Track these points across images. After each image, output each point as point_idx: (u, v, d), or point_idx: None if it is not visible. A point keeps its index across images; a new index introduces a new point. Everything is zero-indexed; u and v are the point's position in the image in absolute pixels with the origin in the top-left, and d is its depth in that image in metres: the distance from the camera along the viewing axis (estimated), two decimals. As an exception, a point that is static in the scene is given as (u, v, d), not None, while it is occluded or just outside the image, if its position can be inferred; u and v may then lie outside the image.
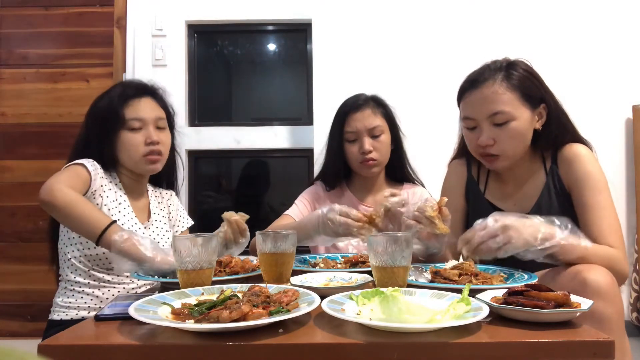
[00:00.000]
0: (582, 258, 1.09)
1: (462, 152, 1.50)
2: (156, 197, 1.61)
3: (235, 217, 1.33)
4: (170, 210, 1.64)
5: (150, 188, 1.60)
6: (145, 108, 1.46)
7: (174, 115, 1.58)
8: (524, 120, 1.26)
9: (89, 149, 1.45)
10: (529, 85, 1.27)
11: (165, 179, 1.64)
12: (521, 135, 1.27)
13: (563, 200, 1.29)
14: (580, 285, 0.99)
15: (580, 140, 1.33)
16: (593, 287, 0.98)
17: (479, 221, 1.11)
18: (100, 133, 1.44)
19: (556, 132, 1.31)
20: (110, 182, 1.46)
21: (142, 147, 1.44)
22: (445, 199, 1.20)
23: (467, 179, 1.47)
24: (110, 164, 1.47)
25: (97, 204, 1.38)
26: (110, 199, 1.42)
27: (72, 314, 1.40)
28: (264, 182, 3.15)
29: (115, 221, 1.24)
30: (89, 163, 1.38)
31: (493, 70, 1.29)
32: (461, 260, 1.15)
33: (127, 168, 1.48)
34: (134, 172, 1.49)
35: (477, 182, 1.45)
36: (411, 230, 1.18)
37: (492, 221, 1.07)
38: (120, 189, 1.48)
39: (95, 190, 1.38)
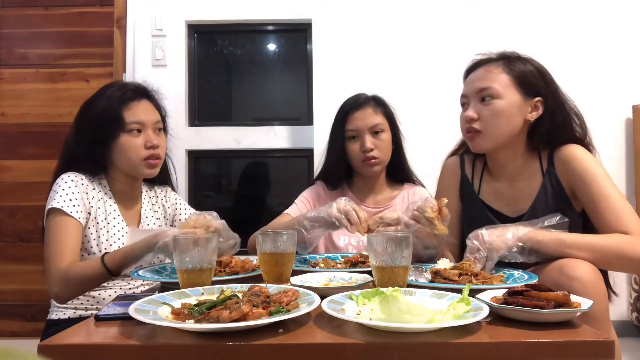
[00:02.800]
0: (569, 247, 1.10)
1: (458, 150, 1.53)
2: (150, 197, 1.60)
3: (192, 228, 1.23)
4: (166, 207, 1.63)
5: (145, 189, 1.59)
6: (144, 111, 1.44)
7: (166, 117, 1.57)
8: (511, 102, 1.28)
9: (80, 152, 1.42)
10: (526, 75, 1.30)
11: (157, 180, 1.62)
12: (505, 116, 1.28)
13: (560, 202, 1.28)
14: (566, 282, 1.01)
15: (580, 142, 1.32)
16: (578, 284, 0.99)
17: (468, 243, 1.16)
18: (96, 136, 1.41)
19: (550, 129, 1.30)
20: (100, 191, 1.45)
21: (142, 151, 1.42)
22: (446, 200, 1.20)
23: (461, 178, 1.47)
24: (101, 169, 1.46)
25: (85, 220, 1.37)
26: (100, 211, 1.42)
27: (69, 313, 1.40)
28: (264, 182, 3.15)
29: (103, 256, 1.25)
30: (71, 195, 1.35)
31: (496, 56, 1.36)
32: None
33: (123, 172, 1.46)
34: (129, 176, 1.47)
35: (472, 181, 1.45)
36: (410, 229, 1.18)
37: (469, 241, 1.15)
38: (111, 197, 1.47)
39: (88, 214, 1.39)
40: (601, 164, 1.26)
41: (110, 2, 2.95)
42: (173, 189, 1.69)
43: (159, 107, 1.52)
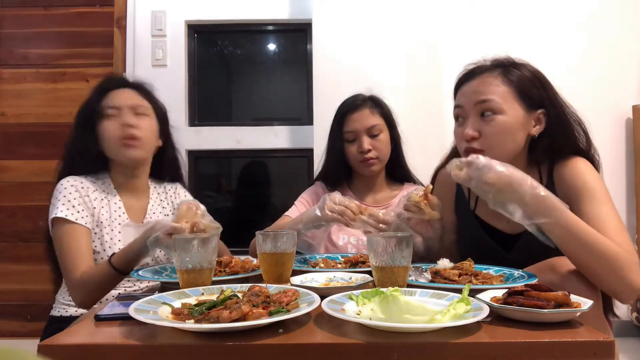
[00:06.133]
0: (574, 238, 0.98)
1: (451, 156, 1.41)
2: (159, 193, 1.58)
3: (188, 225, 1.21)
4: (175, 203, 1.61)
5: (153, 185, 1.58)
6: (121, 96, 1.44)
7: (164, 111, 1.55)
8: (514, 117, 1.17)
9: (76, 149, 1.44)
10: (528, 85, 1.20)
11: (167, 174, 1.60)
12: (509, 133, 1.17)
13: None
14: (557, 281, 0.99)
15: (583, 153, 1.23)
16: (567, 283, 0.98)
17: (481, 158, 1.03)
18: (84, 129, 1.43)
19: (554, 143, 1.21)
20: (103, 191, 1.44)
21: (117, 132, 1.40)
22: (431, 186, 1.21)
23: (456, 192, 1.37)
24: (102, 165, 1.47)
25: (89, 222, 1.37)
26: (104, 211, 1.41)
27: (71, 311, 1.40)
28: (264, 182, 3.15)
29: (110, 257, 1.26)
30: (73, 202, 1.35)
31: (492, 64, 1.24)
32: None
33: (116, 162, 1.46)
34: (122, 165, 1.46)
35: (468, 196, 1.35)
36: (401, 217, 1.19)
37: (483, 162, 1.01)
38: (115, 195, 1.46)
39: (92, 215, 1.39)
40: (601, 179, 1.17)
41: (110, 2, 2.95)
42: (184, 186, 1.67)
43: (148, 98, 1.50)
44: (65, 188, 1.37)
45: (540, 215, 0.99)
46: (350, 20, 2.67)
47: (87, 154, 1.43)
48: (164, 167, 1.56)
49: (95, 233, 1.39)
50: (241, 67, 3.28)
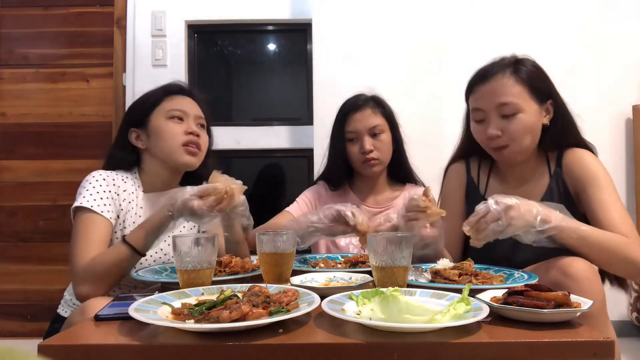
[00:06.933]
0: (582, 240, 1.09)
1: (462, 153, 1.49)
2: None
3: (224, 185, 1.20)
4: None
5: None
6: (188, 104, 1.42)
7: (211, 132, 1.54)
8: (532, 113, 1.28)
9: (118, 142, 1.42)
10: (536, 80, 1.30)
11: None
12: (529, 128, 1.28)
13: (566, 204, 1.25)
14: (561, 280, 1.01)
15: (584, 144, 1.34)
16: (573, 282, 1.00)
17: (480, 205, 1.10)
18: (133, 119, 1.41)
19: (561, 130, 1.32)
20: (132, 192, 1.37)
21: (181, 137, 1.37)
22: (430, 188, 1.22)
23: (466, 182, 1.46)
24: (135, 159, 1.42)
25: (115, 221, 1.30)
26: (129, 214, 1.34)
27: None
28: (263, 182, 3.15)
29: (124, 237, 1.19)
30: (102, 194, 1.28)
31: (502, 65, 1.32)
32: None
33: (160, 161, 1.39)
34: (165, 168, 1.40)
35: (477, 184, 1.44)
36: (413, 232, 1.17)
37: (493, 203, 1.08)
38: (142, 199, 1.39)
39: (117, 217, 1.32)
40: (606, 170, 1.28)
41: (110, 2, 2.95)
42: None
43: (203, 110, 1.48)
44: (96, 180, 1.31)
45: (563, 243, 1.10)
46: (350, 20, 2.67)
47: (125, 146, 1.40)
48: (185, 182, 1.53)
49: (117, 238, 1.32)
50: (241, 67, 3.28)
